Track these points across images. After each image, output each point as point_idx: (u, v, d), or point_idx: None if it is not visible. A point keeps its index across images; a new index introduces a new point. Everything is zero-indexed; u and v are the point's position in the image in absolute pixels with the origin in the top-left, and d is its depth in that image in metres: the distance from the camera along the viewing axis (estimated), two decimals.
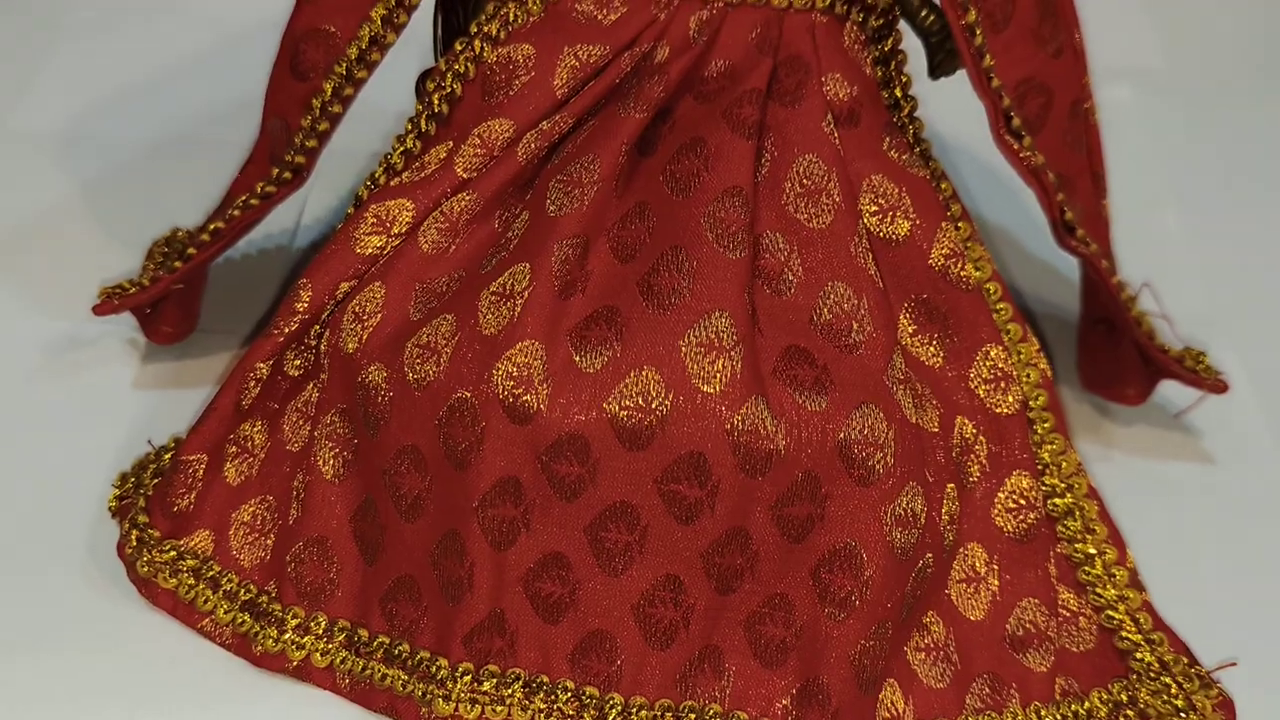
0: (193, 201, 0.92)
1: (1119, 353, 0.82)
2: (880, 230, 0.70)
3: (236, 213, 0.76)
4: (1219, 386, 0.80)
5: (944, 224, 0.70)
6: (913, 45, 0.75)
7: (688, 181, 0.67)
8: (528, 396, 0.63)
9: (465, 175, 0.70)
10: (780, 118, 0.69)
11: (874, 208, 0.70)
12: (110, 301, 0.78)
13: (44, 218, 0.94)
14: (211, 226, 0.77)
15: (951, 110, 0.83)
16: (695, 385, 0.63)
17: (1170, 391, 0.84)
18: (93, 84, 1.06)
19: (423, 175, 0.71)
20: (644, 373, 0.63)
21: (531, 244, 0.66)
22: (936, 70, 0.77)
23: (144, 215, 0.93)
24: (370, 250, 0.69)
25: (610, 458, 0.63)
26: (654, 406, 0.63)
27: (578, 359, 0.63)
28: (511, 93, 0.70)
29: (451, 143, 0.71)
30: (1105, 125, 1.04)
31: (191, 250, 0.78)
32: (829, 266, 0.67)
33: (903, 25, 0.75)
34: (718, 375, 0.63)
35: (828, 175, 0.68)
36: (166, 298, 0.80)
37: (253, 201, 0.76)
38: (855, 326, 0.66)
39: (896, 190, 0.70)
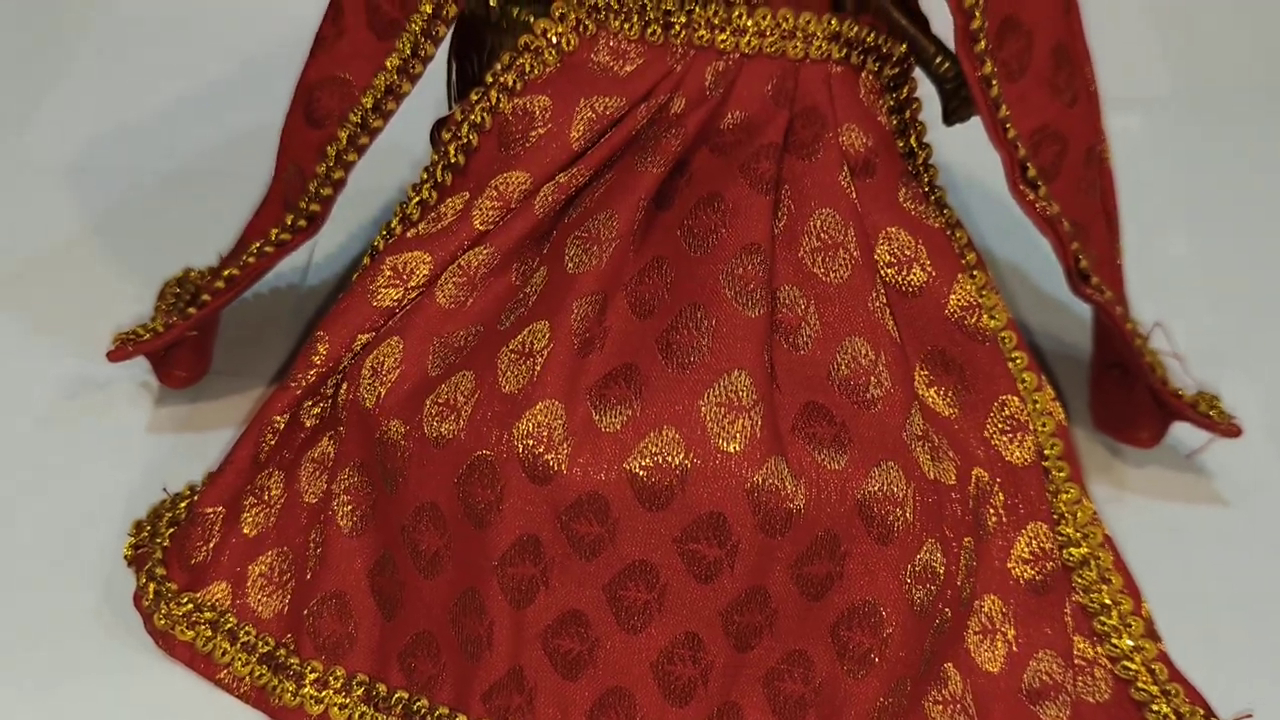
0: (204, 234, 0.92)
1: (1132, 396, 0.82)
2: (897, 282, 0.70)
3: (251, 259, 0.76)
4: (1232, 431, 0.80)
5: (960, 275, 0.70)
6: (926, 92, 0.76)
7: (705, 237, 0.67)
8: (548, 456, 0.63)
9: (482, 228, 0.70)
10: (797, 171, 0.69)
11: (890, 260, 0.70)
12: (124, 348, 0.79)
13: (54, 250, 0.94)
14: (226, 273, 0.78)
15: (961, 146, 0.83)
16: (715, 445, 0.63)
17: (1182, 432, 0.84)
18: (103, 111, 1.06)
19: (439, 227, 0.71)
20: (664, 432, 0.63)
21: (551, 301, 0.66)
22: (951, 116, 0.77)
23: (155, 248, 0.93)
24: (388, 303, 0.69)
25: (630, 517, 0.63)
26: (674, 466, 0.63)
27: (597, 418, 0.63)
28: (528, 145, 0.70)
29: (468, 194, 0.71)
30: (1113, 153, 1.05)
31: (206, 297, 0.78)
32: (846, 321, 0.67)
33: (917, 72, 0.75)
34: (738, 435, 0.63)
35: (845, 230, 0.68)
36: (180, 342, 0.80)
37: (267, 249, 0.76)
38: (873, 382, 0.66)
39: (913, 242, 0.70)
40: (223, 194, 0.98)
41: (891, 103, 0.74)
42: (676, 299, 0.66)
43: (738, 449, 0.63)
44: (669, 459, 0.63)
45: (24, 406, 0.83)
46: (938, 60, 0.75)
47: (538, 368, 0.64)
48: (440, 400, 0.65)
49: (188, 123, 1.05)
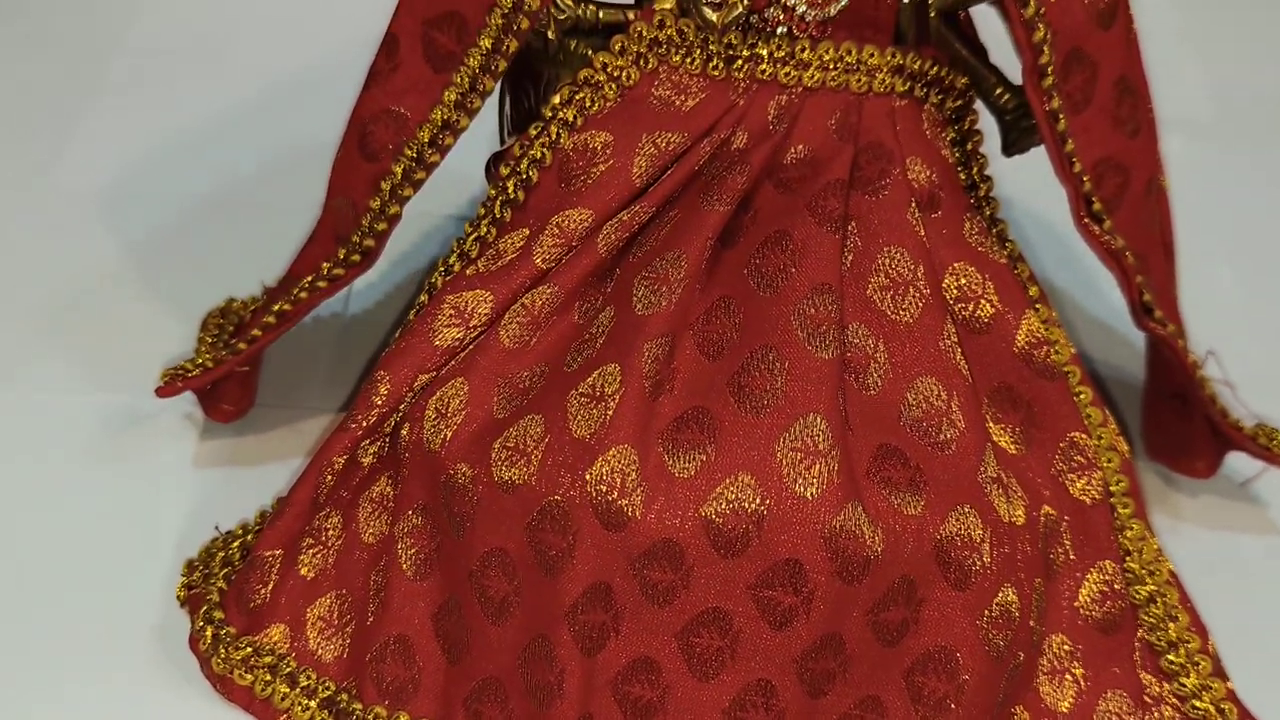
0: (243, 262, 0.92)
1: (1189, 427, 0.81)
2: (965, 318, 0.69)
3: (304, 295, 0.75)
4: None
5: (1027, 310, 0.70)
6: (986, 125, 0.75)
7: (774, 277, 0.66)
8: (622, 502, 0.62)
9: (544, 266, 0.69)
10: (864, 207, 0.69)
11: (959, 296, 0.69)
12: (174, 383, 0.77)
13: (94, 281, 0.93)
14: (277, 307, 0.76)
15: (1020, 178, 0.83)
16: (792, 490, 0.62)
17: (1235, 460, 0.83)
18: (137, 138, 1.05)
19: (499, 265, 0.70)
20: (739, 478, 0.62)
21: (620, 343, 0.65)
22: (1011, 148, 0.76)
23: (194, 277, 0.92)
24: (449, 342, 0.69)
25: (704, 564, 0.62)
26: (750, 512, 0.62)
27: (670, 463, 0.62)
28: (590, 181, 0.70)
29: (528, 230, 0.70)
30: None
31: (256, 332, 0.77)
32: (918, 361, 0.66)
33: (977, 104, 0.75)
34: (815, 480, 0.62)
35: (914, 267, 0.67)
36: (227, 377, 0.79)
37: (320, 284, 0.75)
38: (946, 424, 0.65)
39: (980, 277, 0.69)
40: (260, 221, 0.97)
41: (954, 135, 0.73)
42: (747, 340, 0.65)
43: (815, 494, 0.62)
44: (745, 505, 0.62)
45: (70, 442, 0.82)
46: (998, 91, 0.75)
47: (609, 412, 0.63)
48: (509, 445, 0.64)
49: (222, 150, 1.04)
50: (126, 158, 1.03)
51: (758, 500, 0.62)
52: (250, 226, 0.97)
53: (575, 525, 0.62)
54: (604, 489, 0.62)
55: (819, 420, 0.63)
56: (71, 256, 0.95)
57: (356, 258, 0.75)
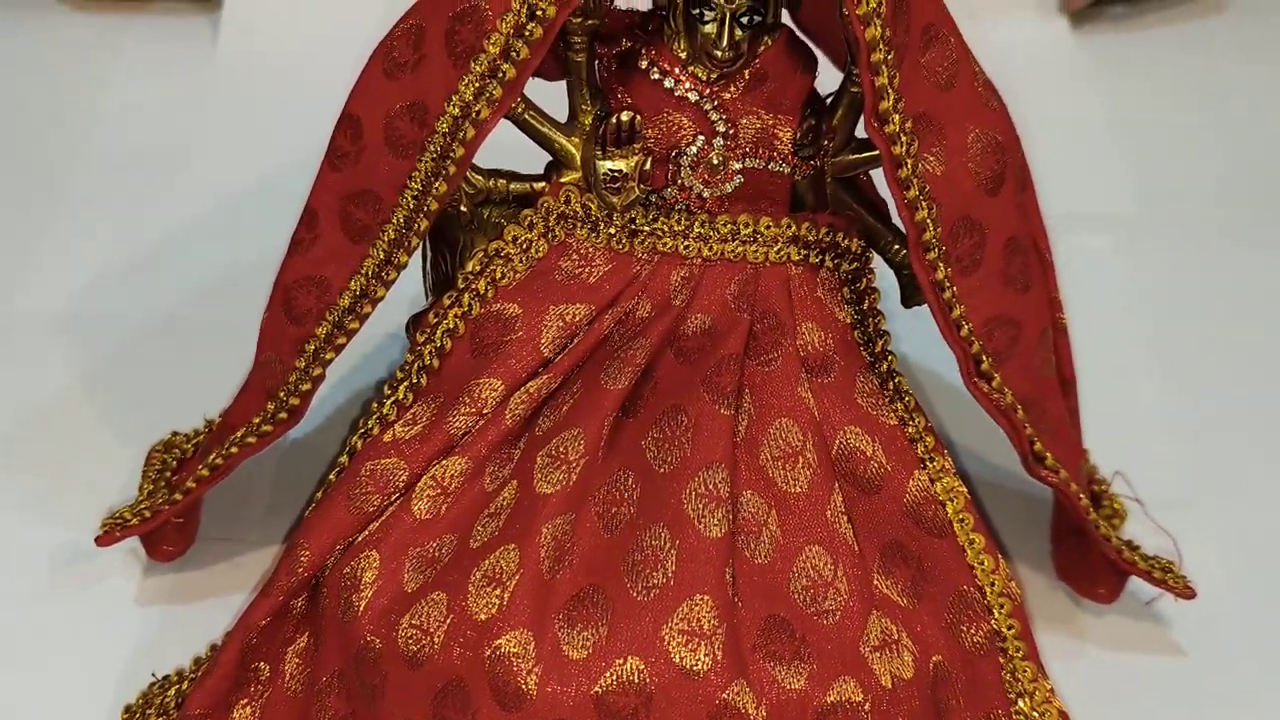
0: (192, 387, 0.94)
1: (1091, 556, 0.85)
2: (855, 480, 0.72)
3: (234, 450, 0.79)
4: (1188, 594, 0.83)
5: (916, 471, 0.73)
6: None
7: (670, 453, 0.70)
8: (519, 682, 0.65)
9: (455, 435, 0.72)
10: (757, 379, 0.72)
11: (848, 460, 0.72)
12: (112, 533, 0.81)
13: (44, 409, 0.96)
14: (211, 459, 0.80)
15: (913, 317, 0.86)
16: (680, 669, 0.65)
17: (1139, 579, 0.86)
18: (92, 257, 1.08)
19: (414, 432, 0.73)
20: (629, 661, 0.65)
21: (520, 522, 0.69)
22: (910, 301, 0.79)
23: (144, 402, 0.95)
24: (368, 509, 0.72)
25: None
26: (639, 690, 0.65)
27: (565, 643, 0.66)
28: (501, 352, 0.73)
29: (442, 397, 0.74)
30: (1081, 278, 1.07)
31: (191, 484, 0.80)
32: (806, 530, 0.69)
33: (877, 261, 0.78)
34: (700, 662, 0.65)
35: (804, 440, 0.71)
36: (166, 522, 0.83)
37: (250, 439, 0.79)
38: (831, 593, 0.69)
39: (870, 440, 0.73)
40: (209, 343, 1.00)
41: (850, 294, 0.76)
42: (643, 517, 0.68)
43: (701, 673, 0.65)
44: (634, 684, 0.65)
45: (14, 578, 0.85)
46: (896, 248, 0.78)
47: (507, 595, 0.66)
48: (415, 623, 0.68)
49: (175, 268, 1.07)
50: (80, 276, 1.06)
51: (646, 681, 0.65)
52: (200, 350, 1.00)
53: (475, 704, 0.66)
54: (500, 670, 0.65)
55: (706, 600, 0.66)
56: (23, 382, 0.98)
57: (284, 415, 0.78)
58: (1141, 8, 1.39)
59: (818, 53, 0.75)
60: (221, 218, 1.12)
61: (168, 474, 0.88)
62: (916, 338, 0.88)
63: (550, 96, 0.76)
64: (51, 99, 1.24)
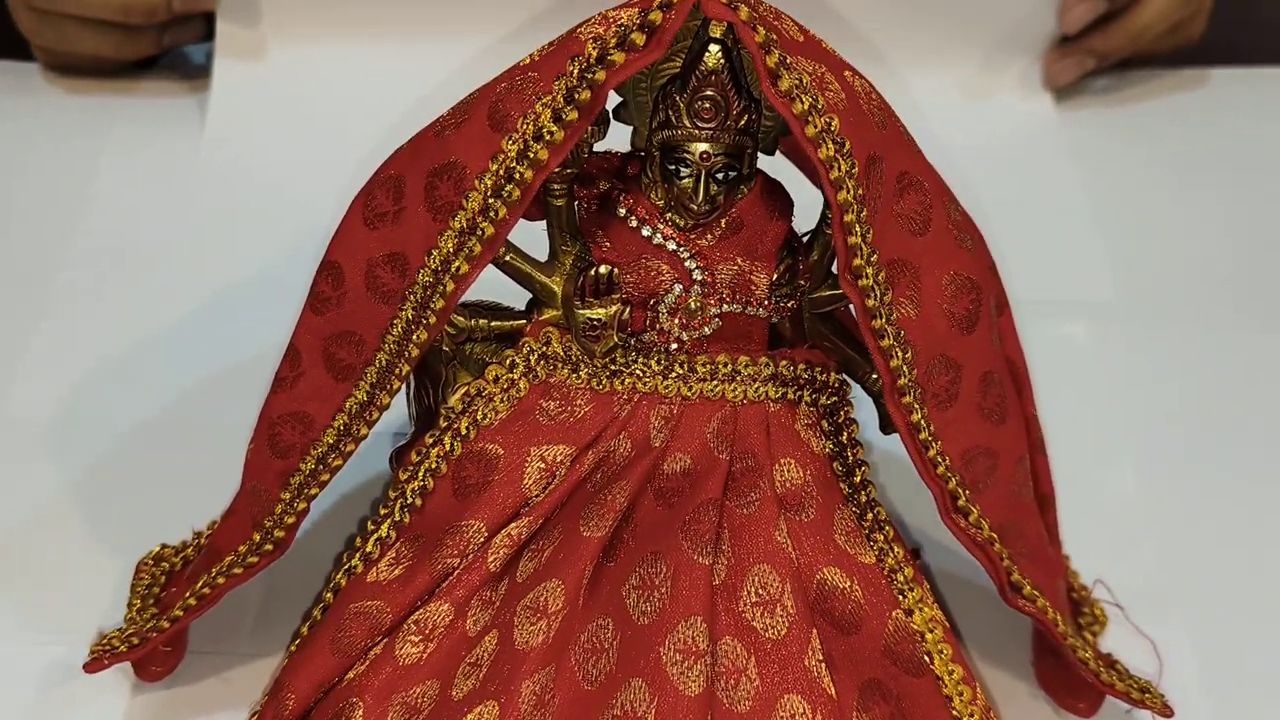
0: (182, 493, 0.95)
1: (1070, 670, 0.86)
2: (833, 620, 0.73)
3: (221, 580, 0.80)
4: (1167, 713, 0.84)
5: (894, 611, 0.74)
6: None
7: (648, 602, 0.71)
8: None
9: (437, 579, 0.73)
10: (737, 522, 0.73)
11: (827, 602, 0.73)
12: (100, 660, 0.82)
13: (36, 519, 0.97)
14: (199, 587, 0.81)
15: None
16: None
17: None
18: (78, 358, 1.08)
19: (397, 573, 0.74)
20: None
21: (500, 678, 0.70)
22: (888, 428, 0.80)
23: (136, 508, 0.96)
24: (352, 651, 0.73)
25: None
26: None
27: None
28: (483, 493, 0.74)
29: (425, 536, 0.75)
30: (1059, 366, 1.07)
31: (178, 612, 0.81)
32: (784, 679, 0.70)
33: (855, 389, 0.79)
34: None
35: (782, 586, 0.72)
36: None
37: (235, 570, 0.80)
38: None
39: (848, 582, 0.74)
40: (197, 445, 1.01)
41: (828, 427, 0.77)
42: (622, 669, 0.69)
43: None
44: None
45: (3, 698, 0.86)
46: (874, 378, 0.79)
47: None
48: None
49: (166, 363, 1.07)
50: (67, 381, 1.06)
51: None
52: (190, 453, 1.00)
53: None
54: None
55: None
56: (15, 491, 0.99)
57: (269, 547, 0.79)
58: (1125, 79, 1.40)
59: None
60: (212, 314, 1.12)
61: (156, 590, 0.89)
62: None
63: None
64: (39, 187, 1.24)
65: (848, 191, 0.66)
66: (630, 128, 0.73)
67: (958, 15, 1.30)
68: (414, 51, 1.26)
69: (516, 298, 0.79)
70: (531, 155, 0.67)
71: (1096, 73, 1.37)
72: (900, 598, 0.75)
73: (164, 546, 0.93)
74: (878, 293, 0.70)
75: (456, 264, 0.70)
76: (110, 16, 1.26)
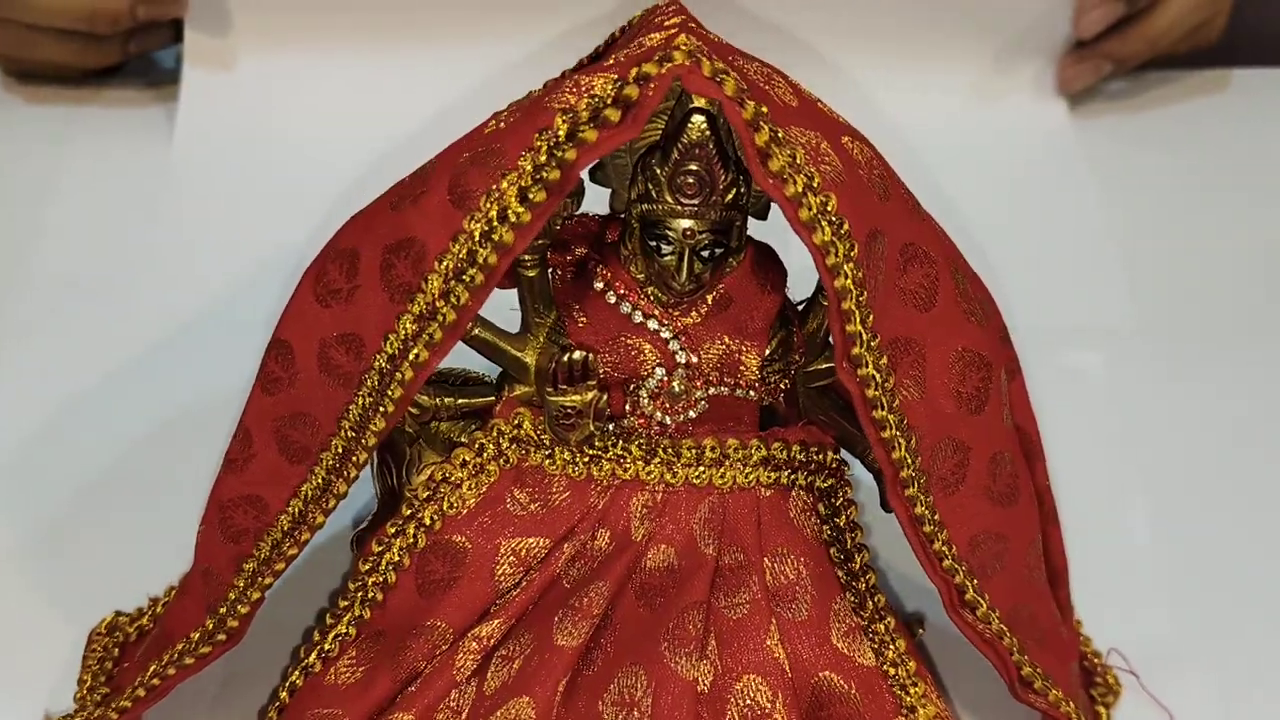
0: (137, 553, 0.89)
1: None
2: None
3: (172, 671, 0.74)
4: None
5: (897, 716, 0.68)
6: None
7: (628, 718, 0.65)
8: None
9: (400, 684, 0.68)
10: (725, 626, 0.67)
11: (823, 709, 0.68)
12: None
13: None
14: (149, 675, 0.75)
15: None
16: None
17: None
18: (34, 399, 1.02)
19: (356, 677, 0.69)
20: None
21: None
22: (889, 507, 0.74)
23: (90, 570, 0.90)
24: None
25: None
26: None
27: None
28: (449, 591, 0.68)
29: (386, 634, 0.69)
30: (1072, 400, 1.01)
31: (126, 703, 0.76)
32: None
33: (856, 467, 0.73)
34: None
35: (773, 702, 0.66)
36: None
37: (187, 661, 0.74)
38: None
39: (845, 685, 0.68)
40: (155, 497, 0.95)
41: (825, 510, 0.71)
42: None
43: None
44: None
45: None
46: (872, 455, 0.73)
47: None
48: None
49: (123, 410, 1.01)
50: (20, 429, 1.00)
51: None
52: (147, 507, 0.95)
53: None
54: None
55: None
56: None
57: (222, 637, 0.73)
58: (1142, 82, 1.33)
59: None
60: (178, 349, 1.05)
61: (109, 665, 0.83)
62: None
63: None
64: None
65: (846, 277, 0.60)
66: (608, 189, 0.67)
67: (970, 17, 1.23)
68: (387, 62, 1.20)
69: (486, 363, 0.73)
70: (496, 238, 0.60)
71: (1112, 77, 1.30)
72: (903, 695, 0.69)
73: (118, 614, 0.87)
74: (878, 380, 0.63)
75: (415, 350, 0.63)
76: (75, 25, 1.20)
